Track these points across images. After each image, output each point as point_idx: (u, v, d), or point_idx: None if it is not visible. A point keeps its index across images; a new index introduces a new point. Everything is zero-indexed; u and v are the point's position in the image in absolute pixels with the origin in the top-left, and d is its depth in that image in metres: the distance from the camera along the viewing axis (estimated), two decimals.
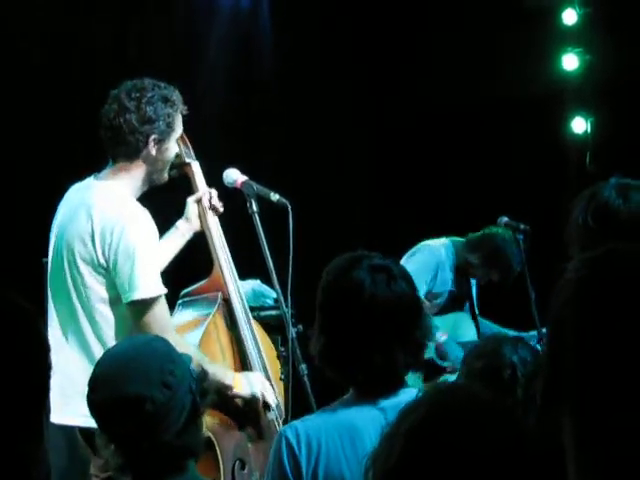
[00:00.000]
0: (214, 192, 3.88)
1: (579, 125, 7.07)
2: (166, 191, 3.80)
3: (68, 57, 5.87)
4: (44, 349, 1.63)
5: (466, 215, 5.76)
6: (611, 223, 2.78)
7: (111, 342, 3.38)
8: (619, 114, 6.69)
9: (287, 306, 3.64)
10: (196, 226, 3.87)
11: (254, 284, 5.77)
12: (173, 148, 3.64)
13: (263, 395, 3.66)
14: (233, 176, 3.83)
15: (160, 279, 3.50)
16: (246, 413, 3.70)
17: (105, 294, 3.46)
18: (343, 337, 2.44)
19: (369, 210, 7.06)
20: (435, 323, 5.45)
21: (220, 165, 4.01)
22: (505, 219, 5.51)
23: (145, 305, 3.42)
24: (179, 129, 3.65)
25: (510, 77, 6.77)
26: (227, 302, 3.80)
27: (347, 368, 2.47)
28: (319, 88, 6.81)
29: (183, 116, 3.67)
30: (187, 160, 3.88)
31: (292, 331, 3.56)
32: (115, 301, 3.48)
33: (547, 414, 1.46)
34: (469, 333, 5.48)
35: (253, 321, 3.87)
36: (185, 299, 3.84)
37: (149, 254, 3.46)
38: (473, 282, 5.70)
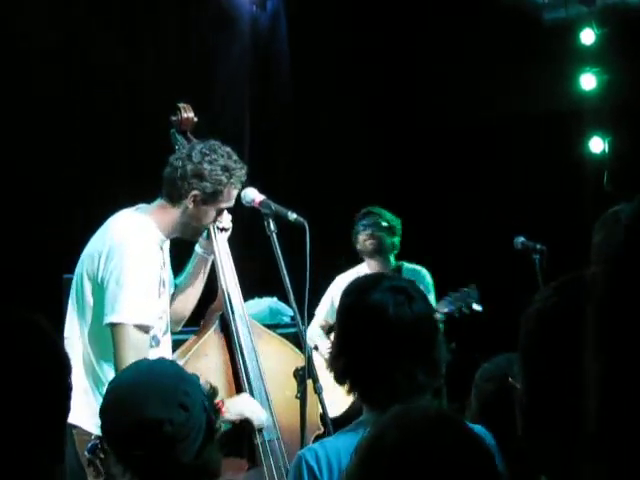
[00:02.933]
0: (227, 220, 3.90)
1: (596, 144, 7.07)
2: None
3: (83, 78, 5.90)
4: (65, 370, 1.65)
5: (482, 233, 5.76)
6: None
7: (102, 359, 3.53)
8: (636, 134, 6.68)
9: (303, 324, 3.64)
10: (212, 246, 3.91)
11: (271, 302, 5.80)
12: (209, 215, 3.72)
13: (250, 418, 3.66)
14: (251, 195, 3.84)
15: (144, 311, 3.52)
16: (234, 437, 3.67)
17: (99, 313, 3.54)
18: (365, 357, 2.44)
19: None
20: None
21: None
22: (521, 239, 5.52)
23: (120, 330, 3.47)
24: (226, 203, 3.73)
25: (528, 96, 6.79)
26: (226, 321, 3.80)
27: (369, 388, 2.47)
28: (334, 108, 6.83)
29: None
30: None
31: (308, 349, 3.56)
32: (93, 315, 3.58)
33: (529, 440, 1.49)
34: None
35: (268, 337, 3.87)
36: (205, 317, 3.89)
37: (139, 285, 3.50)
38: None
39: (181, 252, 4.00)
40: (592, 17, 6.96)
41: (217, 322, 3.81)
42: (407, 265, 5.79)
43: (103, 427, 2.43)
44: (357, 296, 2.50)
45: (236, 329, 3.78)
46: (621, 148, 6.93)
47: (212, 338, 3.78)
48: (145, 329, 3.52)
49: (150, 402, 2.35)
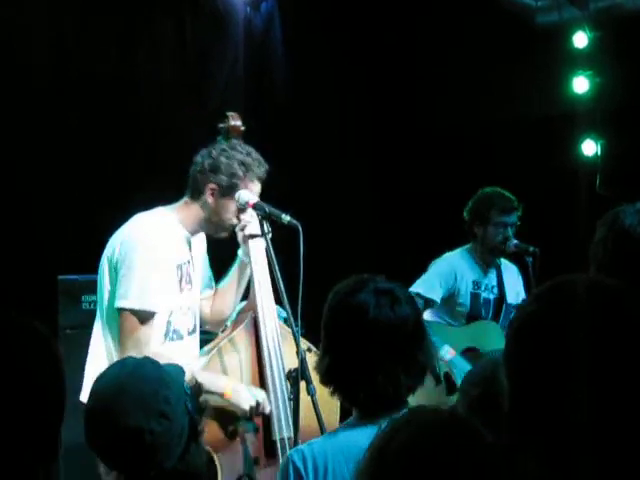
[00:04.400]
0: (254, 216, 3.92)
1: (589, 147, 7.09)
2: None
3: (75, 75, 5.91)
4: (60, 375, 1.66)
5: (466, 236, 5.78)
6: (629, 250, 2.86)
7: (114, 344, 3.64)
8: (629, 137, 6.71)
9: (297, 326, 3.66)
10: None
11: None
12: (229, 209, 3.82)
13: (260, 409, 3.70)
14: (245, 197, 3.86)
15: (153, 299, 3.63)
16: (246, 430, 3.75)
17: (112, 299, 3.67)
18: (347, 358, 2.48)
19: (379, 232, 7.08)
20: (457, 335, 5.46)
21: None
22: (515, 241, 5.54)
23: (128, 315, 3.61)
24: (242, 194, 3.80)
25: (520, 99, 6.81)
26: (256, 321, 3.88)
27: (350, 389, 2.50)
28: (329, 110, 6.84)
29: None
30: None
31: (302, 351, 3.58)
32: (107, 303, 3.70)
33: (513, 443, 1.51)
34: (495, 342, 5.37)
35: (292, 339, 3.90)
36: (238, 315, 4.00)
37: (147, 271, 3.62)
38: (505, 277, 5.69)
39: (226, 257, 4.08)
40: (585, 20, 6.98)
41: (247, 320, 3.90)
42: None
43: (86, 434, 2.42)
44: (341, 296, 2.55)
45: (265, 329, 3.86)
46: (613, 151, 6.95)
47: (241, 335, 3.88)
48: (148, 315, 3.62)
49: (130, 411, 2.33)
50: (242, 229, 3.94)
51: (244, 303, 4.24)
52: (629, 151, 6.71)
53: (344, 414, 3.56)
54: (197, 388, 2.50)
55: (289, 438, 3.75)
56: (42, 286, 4.99)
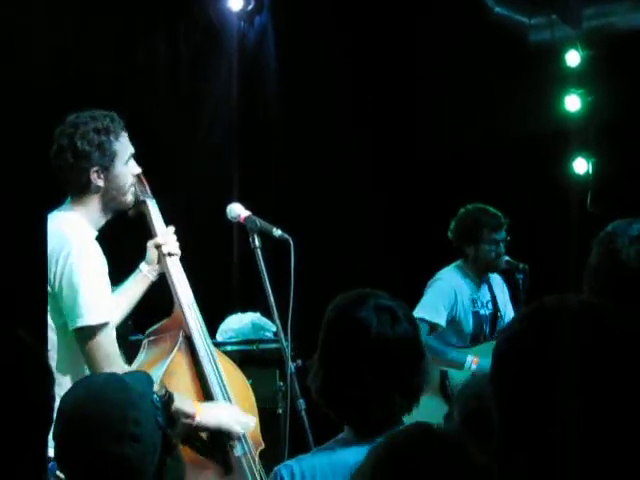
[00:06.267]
0: (171, 231, 3.86)
1: (580, 166, 7.11)
2: (125, 231, 3.85)
3: (75, 75, 5.90)
4: (48, 385, 1.65)
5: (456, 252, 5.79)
6: (620, 272, 2.88)
7: (58, 367, 3.45)
8: (620, 155, 6.73)
9: (287, 340, 3.65)
10: (158, 268, 3.84)
11: (254, 317, 5.80)
12: (124, 173, 3.67)
13: (231, 427, 3.61)
14: (237, 211, 3.86)
15: (106, 307, 3.53)
16: (212, 447, 3.64)
17: (51, 321, 3.49)
18: (342, 374, 2.44)
19: (370, 246, 7.08)
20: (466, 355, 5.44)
21: (223, 199, 4.04)
22: (506, 258, 5.55)
23: (89, 332, 3.47)
24: (123, 153, 3.67)
25: (512, 117, 6.82)
26: (189, 339, 3.75)
27: (343, 406, 2.46)
28: (323, 124, 6.84)
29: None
30: (142, 198, 3.86)
31: (291, 366, 3.57)
32: (60, 328, 3.53)
33: (501, 460, 1.51)
34: None
35: (223, 357, 3.86)
36: (150, 337, 3.82)
37: (94, 282, 3.50)
38: (495, 291, 5.68)
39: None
40: (578, 39, 7.00)
41: (179, 341, 3.75)
42: None
43: (56, 454, 2.36)
44: (341, 312, 2.49)
45: (199, 347, 3.73)
46: (605, 169, 6.97)
47: (177, 357, 3.73)
48: (109, 326, 3.51)
49: (101, 437, 2.28)
50: (158, 246, 3.82)
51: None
52: (620, 170, 6.73)
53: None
54: (168, 397, 2.46)
55: (244, 453, 3.66)
56: (31, 292, 4.96)
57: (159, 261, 3.83)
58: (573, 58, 7.03)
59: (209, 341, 3.79)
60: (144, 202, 3.86)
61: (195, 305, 3.79)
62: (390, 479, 1.49)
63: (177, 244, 3.84)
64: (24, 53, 5.61)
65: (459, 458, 1.50)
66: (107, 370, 3.42)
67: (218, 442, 3.63)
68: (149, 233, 3.88)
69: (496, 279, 5.75)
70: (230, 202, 3.97)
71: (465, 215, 5.61)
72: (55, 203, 3.69)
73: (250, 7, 6.89)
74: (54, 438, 2.34)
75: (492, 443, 1.56)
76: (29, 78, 5.59)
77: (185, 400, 3.57)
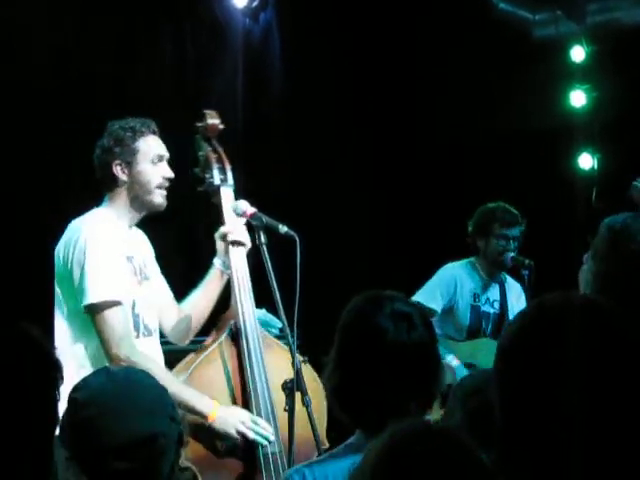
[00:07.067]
0: (240, 221, 3.89)
1: (586, 161, 7.10)
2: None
3: (75, 75, 5.90)
4: (54, 381, 1.65)
5: (470, 250, 5.78)
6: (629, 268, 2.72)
7: (64, 349, 3.52)
8: (626, 151, 6.72)
9: (293, 336, 3.64)
10: (227, 259, 3.91)
11: (260, 313, 5.78)
12: (148, 171, 3.77)
13: (243, 434, 3.61)
14: (242, 207, 3.85)
15: (111, 287, 3.58)
16: (229, 448, 3.66)
17: (64, 304, 3.64)
18: (358, 379, 2.42)
19: (372, 244, 7.07)
20: (456, 349, 5.45)
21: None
22: (511, 254, 5.54)
23: (96, 310, 3.55)
24: (147, 151, 3.78)
25: (517, 113, 6.81)
26: (239, 331, 3.79)
27: (358, 410, 2.44)
28: (328, 122, 6.84)
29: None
30: (216, 184, 3.96)
31: (297, 362, 3.56)
32: (71, 312, 3.63)
33: (503, 458, 1.51)
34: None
35: (278, 349, 3.85)
36: (217, 324, 3.89)
37: (98, 264, 3.58)
38: (508, 295, 5.68)
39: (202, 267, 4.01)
40: (582, 34, 7.00)
41: (228, 330, 3.81)
42: None
43: (77, 445, 2.31)
44: (357, 317, 2.47)
45: (247, 340, 3.77)
46: (610, 165, 6.96)
47: (222, 346, 3.78)
48: (116, 306, 3.56)
49: (144, 415, 2.28)
50: (223, 237, 3.89)
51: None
52: (626, 165, 6.72)
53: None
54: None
55: (273, 453, 3.67)
56: (38, 288, 4.97)
57: (227, 251, 3.87)
58: (578, 53, 7.02)
59: (259, 335, 3.80)
60: (217, 189, 3.95)
61: (251, 299, 3.82)
62: (390, 476, 1.48)
63: (245, 235, 3.87)
64: (24, 53, 5.65)
65: (459, 455, 1.50)
66: (115, 350, 3.51)
67: (242, 443, 3.63)
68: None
69: (515, 287, 5.73)
70: (235, 199, 3.98)
71: (482, 210, 5.65)
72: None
73: (255, 4, 6.88)
74: (74, 424, 2.30)
75: (493, 441, 1.55)
76: (29, 78, 5.64)
77: (201, 399, 3.60)
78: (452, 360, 5.34)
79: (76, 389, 2.37)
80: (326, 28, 6.88)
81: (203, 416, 3.59)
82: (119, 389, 2.34)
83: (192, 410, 3.57)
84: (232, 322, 3.82)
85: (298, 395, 3.51)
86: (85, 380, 2.43)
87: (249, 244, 3.89)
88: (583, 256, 2.84)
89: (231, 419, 3.62)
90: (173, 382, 3.51)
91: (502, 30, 6.96)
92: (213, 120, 4.06)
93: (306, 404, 3.49)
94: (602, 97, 6.94)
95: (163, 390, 2.37)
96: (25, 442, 1.60)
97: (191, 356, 3.83)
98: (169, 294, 3.99)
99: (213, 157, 4.03)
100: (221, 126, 4.08)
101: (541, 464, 1.46)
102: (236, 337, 3.80)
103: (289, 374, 3.60)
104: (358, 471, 1.53)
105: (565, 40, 7.05)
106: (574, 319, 1.49)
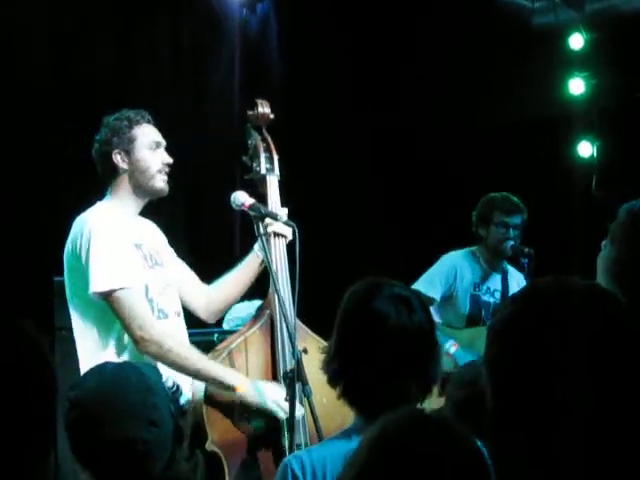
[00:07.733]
0: (283, 212, 3.89)
1: (585, 149, 7.10)
2: None
3: (75, 75, 5.90)
4: (50, 377, 1.65)
5: (471, 238, 5.78)
6: None
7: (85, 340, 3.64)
8: (625, 138, 6.71)
9: (293, 326, 3.64)
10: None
11: (259, 304, 5.79)
12: (147, 158, 3.81)
13: (274, 410, 3.61)
14: (241, 199, 3.84)
15: (124, 272, 3.60)
16: (256, 433, 3.64)
17: (76, 297, 3.68)
18: (359, 363, 2.42)
19: (372, 234, 7.07)
20: (454, 337, 5.46)
21: (227, 186, 4.03)
22: (510, 242, 5.54)
23: (106, 298, 3.58)
24: (144, 139, 3.82)
25: (517, 101, 6.80)
26: (273, 321, 3.79)
27: (359, 394, 2.45)
28: (325, 112, 6.83)
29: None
30: (262, 172, 3.99)
31: (298, 352, 3.56)
32: (85, 302, 3.65)
33: (495, 446, 1.51)
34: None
35: (312, 340, 3.79)
36: (257, 311, 3.91)
37: (107, 248, 3.61)
38: (510, 285, 5.68)
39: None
40: (581, 22, 6.99)
41: (264, 320, 3.81)
42: None
43: (71, 443, 2.35)
44: (357, 302, 2.48)
45: (281, 331, 3.75)
46: (610, 153, 6.96)
47: (257, 335, 3.78)
48: (127, 289, 3.58)
49: (121, 421, 2.28)
50: (266, 227, 3.87)
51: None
52: (625, 153, 6.71)
53: None
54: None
55: (298, 445, 3.61)
56: (38, 287, 4.98)
57: (268, 241, 3.86)
58: (577, 41, 7.01)
59: (293, 325, 3.71)
60: (264, 178, 3.98)
61: (289, 290, 3.80)
62: (384, 464, 1.48)
63: (285, 229, 3.87)
64: (24, 53, 5.64)
65: (453, 442, 1.50)
66: (138, 332, 3.54)
67: (268, 429, 3.63)
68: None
69: (518, 278, 5.71)
70: (233, 191, 3.97)
71: (484, 199, 5.66)
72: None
73: None
74: (67, 426, 2.35)
75: (479, 433, 1.55)
76: (29, 78, 5.63)
77: (229, 372, 3.62)
78: (451, 347, 5.35)
79: (72, 387, 2.40)
80: (324, 18, 6.87)
81: (232, 388, 3.57)
82: (102, 394, 2.34)
83: (221, 384, 3.57)
84: (268, 311, 3.82)
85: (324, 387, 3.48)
86: (81, 378, 2.48)
87: (290, 236, 3.88)
88: (601, 242, 2.79)
89: (269, 392, 3.61)
90: (200, 359, 3.57)
91: (501, 18, 6.94)
92: (264, 109, 4.08)
93: (307, 394, 3.48)
94: (601, 85, 6.93)
95: (147, 393, 2.34)
96: (25, 434, 1.60)
97: (225, 343, 3.83)
98: (191, 275, 4.01)
99: (262, 146, 4.04)
100: (272, 116, 4.07)
101: (535, 449, 1.46)
102: (271, 327, 3.79)
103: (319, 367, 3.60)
104: (353, 459, 1.53)
105: (564, 28, 7.04)
106: (568, 302, 1.49)
